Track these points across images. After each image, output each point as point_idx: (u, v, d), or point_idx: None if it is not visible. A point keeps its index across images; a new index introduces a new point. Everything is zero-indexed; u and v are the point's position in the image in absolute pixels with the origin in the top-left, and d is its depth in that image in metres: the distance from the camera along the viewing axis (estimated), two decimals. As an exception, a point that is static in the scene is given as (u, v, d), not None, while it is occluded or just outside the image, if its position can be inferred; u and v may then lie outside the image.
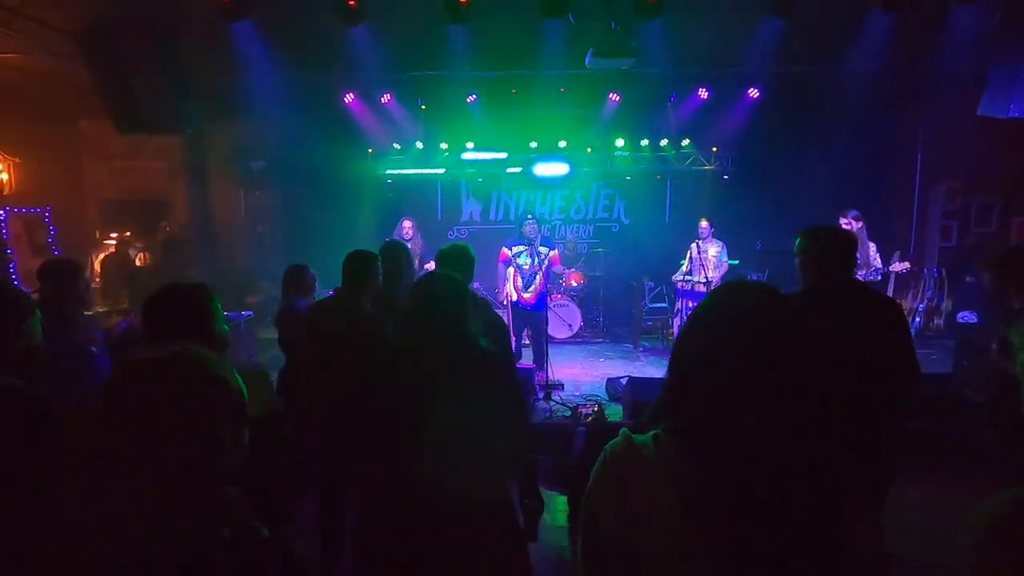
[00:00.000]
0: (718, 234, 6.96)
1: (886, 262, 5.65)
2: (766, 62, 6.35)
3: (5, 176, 6.55)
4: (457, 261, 2.87)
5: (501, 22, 5.47)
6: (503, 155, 8.71)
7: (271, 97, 6.88)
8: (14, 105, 6.41)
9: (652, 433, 1.04)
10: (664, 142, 8.66)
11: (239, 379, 1.37)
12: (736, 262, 7.17)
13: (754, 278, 7.54)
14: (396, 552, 1.75)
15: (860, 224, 5.33)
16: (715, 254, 6.80)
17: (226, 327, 1.79)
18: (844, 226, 5.17)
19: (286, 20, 5.63)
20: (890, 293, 6.51)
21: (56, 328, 2.46)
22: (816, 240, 2.55)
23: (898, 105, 7.62)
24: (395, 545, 1.74)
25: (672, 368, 1.06)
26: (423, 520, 1.69)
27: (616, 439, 1.05)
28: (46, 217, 8.36)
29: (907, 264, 5.63)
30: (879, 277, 5.48)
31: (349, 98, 7.60)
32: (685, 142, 8.66)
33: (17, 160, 6.51)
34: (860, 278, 5.18)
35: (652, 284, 8.42)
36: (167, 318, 1.64)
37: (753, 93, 7.67)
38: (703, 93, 7.64)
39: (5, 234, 7.58)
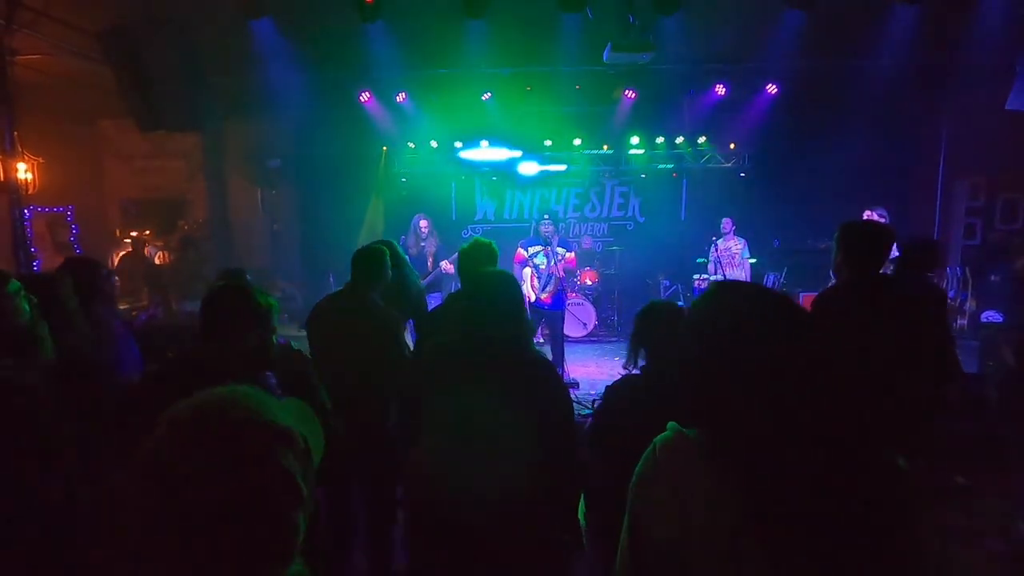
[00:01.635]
0: (737, 232, 6.93)
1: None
2: (785, 56, 6.26)
3: (29, 176, 6.64)
4: (482, 258, 2.85)
5: (518, 17, 5.45)
6: (518, 153, 8.71)
7: (287, 96, 6.93)
8: (38, 106, 6.52)
9: (692, 430, 1.00)
10: (680, 139, 8.59)
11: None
12: (754, 260, 7.09)
13: (771, 277, 7.47)
14: (437, 552, 1.72)
15: (885, 221, 5.24)
16: (737, 251, 6.79)
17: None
18: None
19: (304, 18, 5.67)
20: (912, 292, 6.38)
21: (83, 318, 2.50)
22: (847, 235, 2.49)
23: (921, 99, 7.47)
24: (436, 546, 1.71)
25: (693, 367, 1.01)
26: (462, 521, 1.65)
27: (666, 433, 1.00)
28: (68, 216, 8.52)
29: None
30: (899, 275, 5.38)
31: (364, 96, 7.62)
32: (701, 139, 8.58)
33: (41, 160, 6.61)
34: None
35: (667, 283, 8.35)
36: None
37: (771, 89, 7.56)
38: (720, 89, 7.55)
39: (29, 233, 7.72)
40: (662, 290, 8.29)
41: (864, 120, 7.33)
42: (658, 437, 1.00)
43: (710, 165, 8.90)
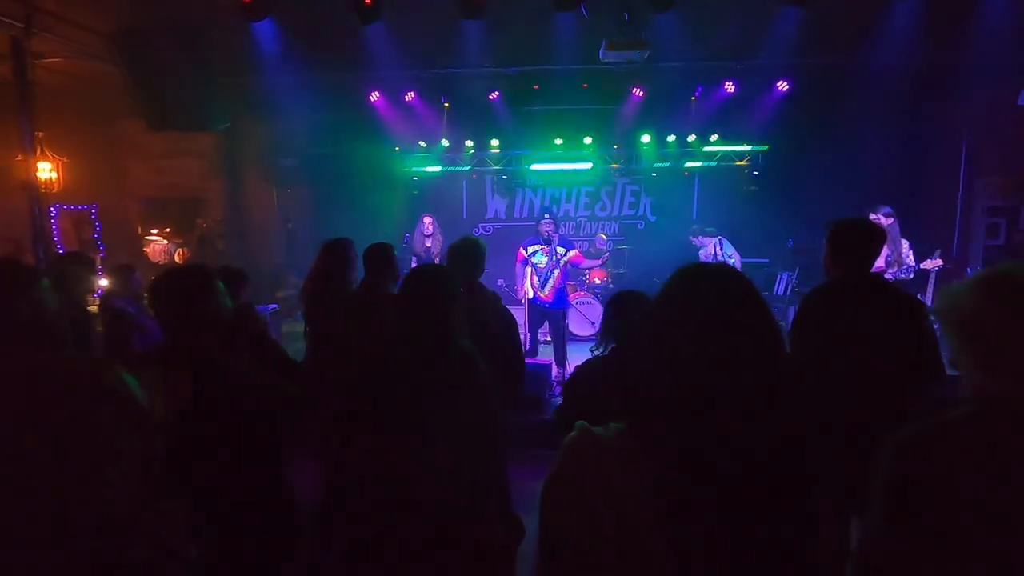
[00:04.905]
0: (745, 234, 6.90)
1: (921, 260, 5.40)
2: (793, 53, 6.14)
3: (54, 175, 6.89)
4: (467, 254, 2.89)
5: (515, 17, 5.45)
6: (527, 152, 8.72)
7: (299, 96, 7.05)
8: (61, 107, 6.75)
9: (613, 425, 1.00)
10: (692, 137, 8.50)
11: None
12: (766, 260, 7.00)
13: (784, 276, 7.35)
14: (369, 549, 1.73)
15: (892, 221, 5.10)
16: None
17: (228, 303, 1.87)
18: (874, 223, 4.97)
19: (308, 20, 5.74)
20: (930, 292, 6.22)
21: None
22: (835, 233, 2.48)
23: (939, 96, 7.26)
24: (372, 549, 1.72)
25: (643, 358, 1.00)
26: (394, 518, 1.67)
27: (572, 432, 1.00)
28: (92, 214, 8.80)
29: (939, 262, 5.36)
30: (911, 275, 5.24)
31: (374, 96, 7.70)
32: (713, 138, 8.48)
33: (65, 160, 6.85)
34: (891, 277, 4.98)
35: (678, 282, 8.28)
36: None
37: (782, 86, 7.43)
38: (729, 87, 7.44)
39: (55, 230, 7.99)
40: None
41: (880, 118, 7.17)
42: (567, 438, 0.99)
43: (722, 164, 8.79)
